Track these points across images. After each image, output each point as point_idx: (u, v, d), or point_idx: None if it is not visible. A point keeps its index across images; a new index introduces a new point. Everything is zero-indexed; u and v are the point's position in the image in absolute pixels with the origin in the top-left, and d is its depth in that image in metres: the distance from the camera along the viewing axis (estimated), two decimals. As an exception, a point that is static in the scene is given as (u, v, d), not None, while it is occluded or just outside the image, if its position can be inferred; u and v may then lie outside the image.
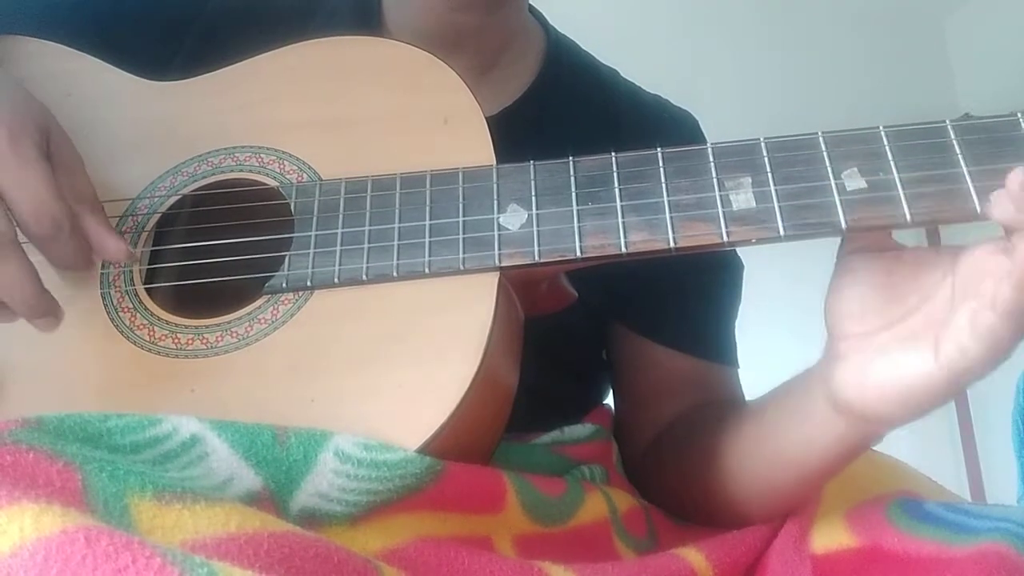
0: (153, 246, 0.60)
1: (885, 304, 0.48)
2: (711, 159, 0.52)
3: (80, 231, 0.53)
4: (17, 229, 0.51)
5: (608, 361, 0.81)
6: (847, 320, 0.49)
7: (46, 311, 0.53)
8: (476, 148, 0.56)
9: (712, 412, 0.68)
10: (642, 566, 0.47)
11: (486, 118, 0.58)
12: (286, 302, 0.54)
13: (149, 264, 0.59)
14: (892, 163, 0.49)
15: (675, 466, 0.67)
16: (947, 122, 0.49)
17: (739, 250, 0.76)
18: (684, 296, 0.75)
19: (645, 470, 0.72)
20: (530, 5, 0.81)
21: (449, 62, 0.60)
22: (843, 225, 0.48)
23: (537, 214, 0.53)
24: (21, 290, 0.51)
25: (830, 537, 0.51)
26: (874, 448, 0.61)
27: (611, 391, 0.84)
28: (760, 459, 0.57)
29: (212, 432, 0.43)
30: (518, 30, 0.79)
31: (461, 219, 0.53)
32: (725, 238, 0.50)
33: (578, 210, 0.52)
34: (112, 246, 0.54)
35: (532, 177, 0.54)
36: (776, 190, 0.50)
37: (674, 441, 0.70)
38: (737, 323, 0.80)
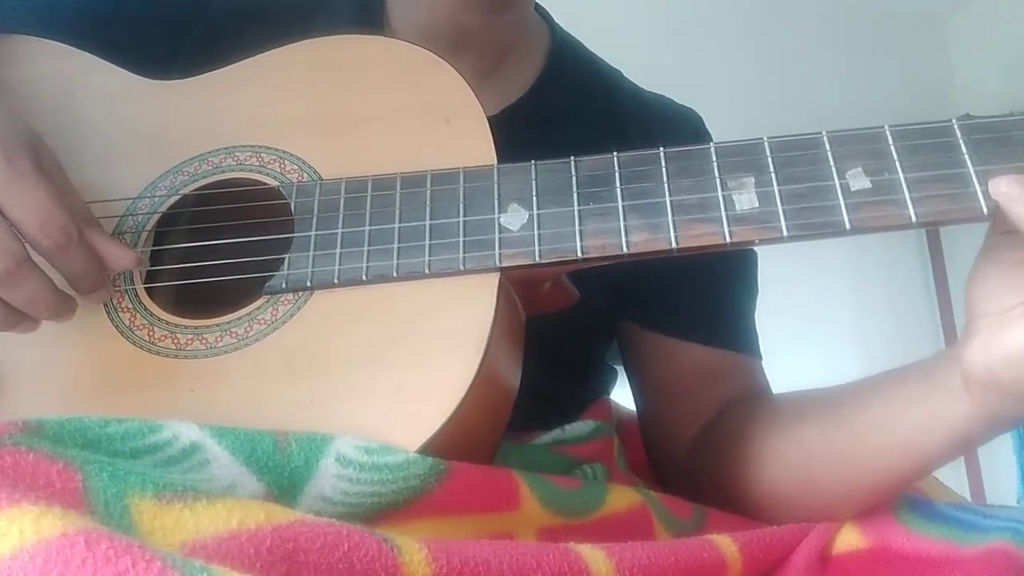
0: (153, 246, 0.59)
1: (1017, 285, 0.48)
2: (714, 159, 0.52)
3: (87, 239, 0.53)
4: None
5: (625, 364, 0.80)
6: (984, 300, 0.49)
7: (67, 312, 0.53)
8: (477, 148, 0.56)
9: (771, 408, 0.66)
10: (673, 548, 0.46)
11: (489, 116, 0.58)
12: (286, 302, 0.53)
13: (149, 264, 0.58)
14: (897, 163, 0.49)
15: (732, 465, 0.65)
16: (953, 121, 0.49)
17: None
18: (698, 286, 0.73)
19: (691, 470, 0.71)
20: (536, 4, 0.81)
21: (454, 62, 0.60)
22: (847, 226, 0.48)
23: (538, 214, 0.53)
24: (44, 302, 0.51)
25: (842, 538, 0.51)
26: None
27: (613, 389, 0.83)
28: (867, 451, 0.55)
29: (212, 439, 0.43)
30: (524, 30, 0.78)
31: (462, 219, 0.53)
32: (728, 239, 0.50)
33: (579, 210, 0.52)
34: (122, 256, 0.54)
35: (533, 177, 0.54)
36: (779, 190, 0.50)
37: (728, 439, 0.67)
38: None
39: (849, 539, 0.51)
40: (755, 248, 0.52)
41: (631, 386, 0.80)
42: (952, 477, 2.66)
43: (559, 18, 0.83)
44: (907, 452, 0.53)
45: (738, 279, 0.77)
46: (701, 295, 0.74)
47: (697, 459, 0.70)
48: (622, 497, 0.55)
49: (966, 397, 0.49)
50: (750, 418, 0.66)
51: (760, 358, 0.76)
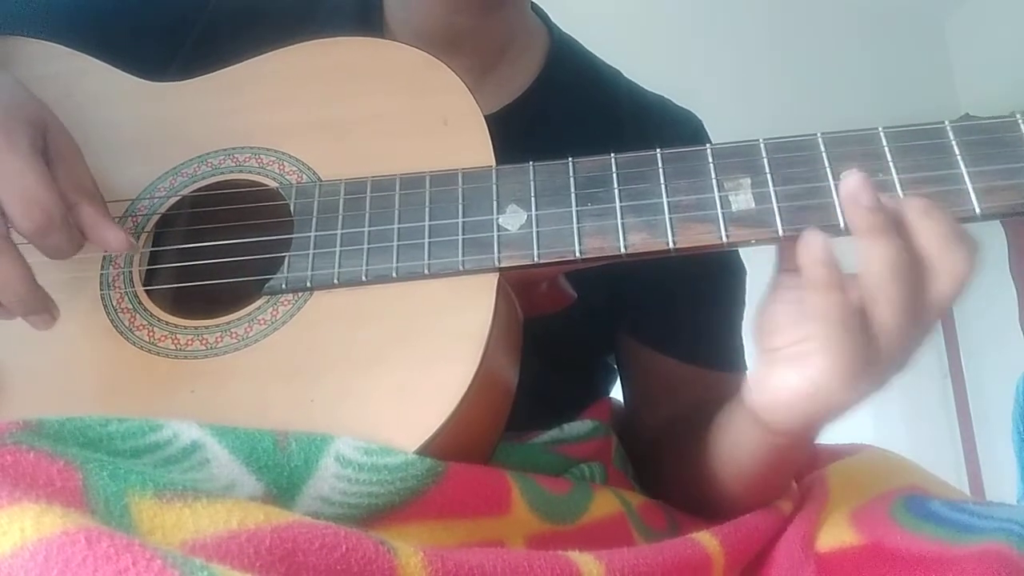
0: (152, 247, 0.60)
1: (792, 323, 0.49)
2: (710, 160, 0.52)
3: (76, 222, 0.53)
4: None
5: (618, 365, 0.81)
6: (764, 334, 0.51)
7: (40, 308, 0.53)
8: (475, 149, 0.56)
9: (708, 411, 0.69)
10: (658, 549, 0.47)
11: (487, 116, 0.58)
12: (285, 303, 0.54)
13: (149, 265, 0.59)
14: (891, 164, 0.49)
15: (673, 462, 0.68)
16: (946, 123, 0.50)
17: (740, 251, 0.76)
18: (688, 305, 0.75)
19: (650, 467, 0.73)
20: (533, 4, 0.81)
21: (449, 62, 0.61)
22: (842, 226, 0.49)
23: (536, 215, 0.53)
24: (15, 287, 0.51)
25: (834, 535, 0.51)
26: (882, 447, 0.62)
27: (615, 389, 0.84)
28: (719, 458, 0.59)
29: (212, 438, 0.43)
30: (519, 29, 0.79)
31: (460, 220, 0.53)
32: (724, 239, 0.50)
33: (577, 211, 0.52)
34: (112, 237, 0.54)
35: (531, 178, 0.54)
36: (775, 191, 0.50)
37: (673, 438, 0.70)
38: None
39: (843, 536, 0.51)
40: (756, 248, 0.52)
41: (622, 387, 0.82)
42: (952, 477, 2.66)
43: (562, 17, 0.84)
44: (734, 464, 0.57)
45: (725, 294, 0.79)
46: (687, 311, 0.76)
47: (653, 457, 0.73)
48: (603, 505, 0.56)
49: (752, 426, 0.53)
50: (691, 425, 0.68)
51: (737, 370, 0.77)
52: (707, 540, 0.49)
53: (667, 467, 0.70)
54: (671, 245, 0.50)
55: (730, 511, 0.56)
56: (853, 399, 0.47)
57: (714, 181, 0.51)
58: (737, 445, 0.56)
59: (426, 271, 0.52)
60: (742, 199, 0.51)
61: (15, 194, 0.50)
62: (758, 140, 0.52)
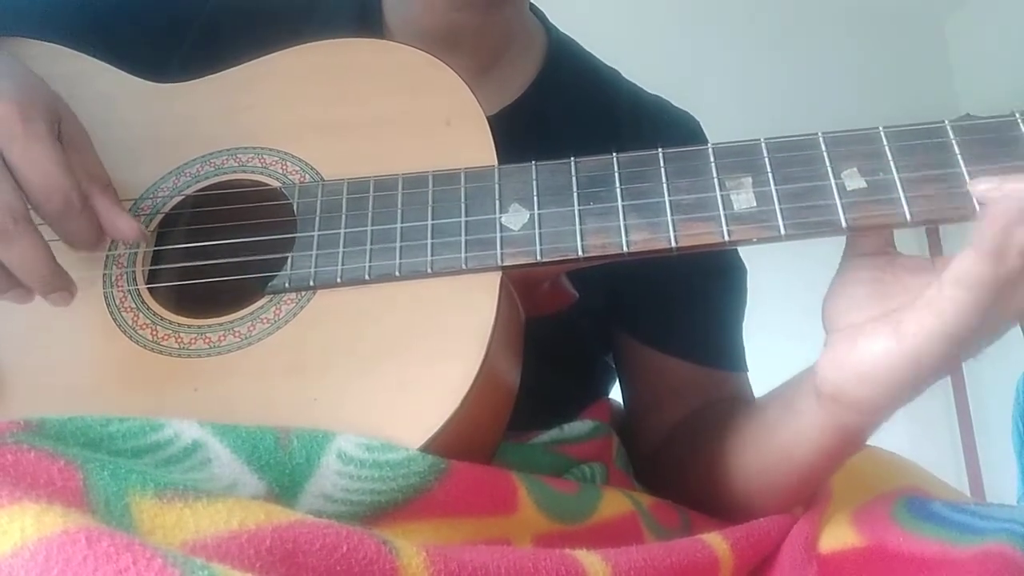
0: (156, 246, 0.60)
1: (873, 300, 0.49)
2: (712, 159, 0.52)
3: (91, 209, 0.53)
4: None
5: (616, 366, 0.81)
6: (837, 315, 0.51)
7: (60, 286, 0.53)
8: (478, 149, 0.57)
9: (718, 411, 0.69)
10: (667, 550, 0.47)
11: (486, 117, 0.58)
12: (289, 302, 0.54)
13: (151, 265, 0.59)
14: (892, 163, 0.49)
15: (685, 464, 0.68)
16: (946, 122, 0.50)
17: (740, 250, 0.76)
18: (688, 304, 0.75)
19: (657, 470, 0.73)
20: (531, 4, 0.81)
21: (449, 61, 0.61)
22: (843, 224, 0.49)
23: (539, 214, 0.53)
24: (36, 266, 0.51)
25: (836, 536, 0.51)
26: (882, 447, 0.62)
27: (616, 391, 0.84)
28: (760, 455, 0.58)
29: (214, 437, 0.43)
30: (518, 29, 0.79)
31: (463, 219, 0.54)
32: (726, 237, 0.50)
33: (580, 210, 0.53)
34: (124, 225, 0.54)
35: (534, 177, 0.54)
36: (776, 190, 0.50)
37: (683, 440, 0.70)
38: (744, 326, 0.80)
39: (845, 537, 0.51)
40: (755, 247, 0.52)
41: (621, 390, 0.82)
42: (952, 477, 2.66)
43: (561, 17, 0.84)
44: (786, 459, 0.56)
45: (725, 293, 0.79)
46: (687, 309, 0.76)
47: (661, 460, 0.72)
48: (614, 504, 0.56)
49: (820, 410, 0.52)
50: (701, 426, 0.69)
51: (740, 370, 0.77)
52: (717, 543, 0.49)
53: (674, 470, 0.70)
54: (673, 244, 0.51)
55: (750, 512, 0.56)
56: (950, 366, 0.46)
57: (715, 180, 0.51)
58: (796, 439, 0.54)
59: (429, 270, 0.53)
60: (743, 198, 0.51)
61: (36, 178, 0.50)
62: (759, 140, 0.52)
